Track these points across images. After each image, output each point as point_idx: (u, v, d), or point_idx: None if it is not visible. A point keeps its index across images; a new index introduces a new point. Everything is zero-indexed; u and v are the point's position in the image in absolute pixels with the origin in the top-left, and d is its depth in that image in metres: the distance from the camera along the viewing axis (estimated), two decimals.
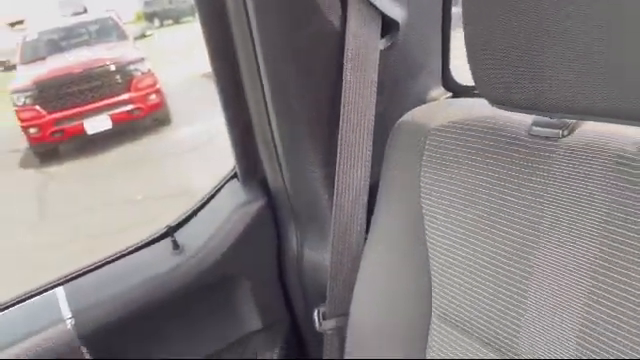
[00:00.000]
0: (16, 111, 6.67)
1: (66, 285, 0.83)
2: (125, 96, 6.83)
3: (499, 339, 0.62)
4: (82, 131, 6.69)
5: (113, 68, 6.82)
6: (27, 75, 6.89)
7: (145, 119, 7.11)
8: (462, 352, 0.66)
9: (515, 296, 0.60)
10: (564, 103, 0.49)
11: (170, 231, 0.88)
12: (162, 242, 0.89)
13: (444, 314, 0.68)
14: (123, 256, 0.89)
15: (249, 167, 0.90)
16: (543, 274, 0.57)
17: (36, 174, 6.58)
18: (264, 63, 0.77)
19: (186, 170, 5.37)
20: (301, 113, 0.80)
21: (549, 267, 0.57)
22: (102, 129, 6.73)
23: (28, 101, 6.64)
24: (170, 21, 21.25)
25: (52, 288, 0.84)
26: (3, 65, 11.82)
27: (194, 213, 0.93)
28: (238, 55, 0.81)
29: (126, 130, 6.91)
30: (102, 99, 6.75)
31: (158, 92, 7.04)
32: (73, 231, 4.24)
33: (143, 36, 11.69)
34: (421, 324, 0.71)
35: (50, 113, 6.58)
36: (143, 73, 6.99)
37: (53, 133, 6.62)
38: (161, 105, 7.09)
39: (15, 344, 0.78)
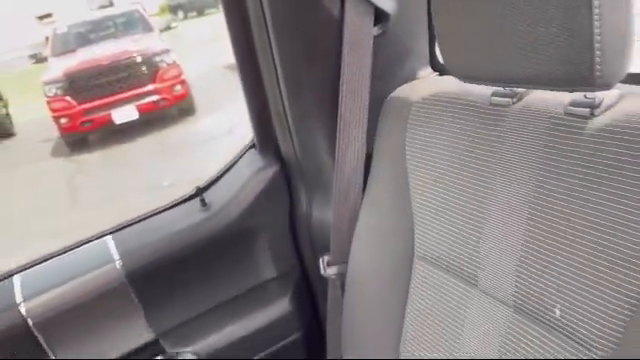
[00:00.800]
0: (48, 102, 6.98)
1: (114, 234, 1.01)
2: (151, 87, 7.06)
3: (464, 271, 0.77)
4: (110, 121, 6.96)
5: (139, 60, 7.06)
6: (58, 67, 7.18)
7: (170, 109, 7.36)
8: (437, 284, 0.82)
9: (475, 234, 0.75)
10: (507, 74, 0.64)
11: (199, 192, 1.06)
12: (192, 201, 1.07)
13: (423, 253, 0.83)
14: (161, 212, 1.06)
15: (265, 138, 1.07)
16: (495, 217, 0.72)
17: (66, 163, 6.88)
18: (277, 49, 0.93)
19: (209, 157, 5.58)
20: (308, 91, 0.96)
21: (499, 211, 0.72)
22: (129, 119, 6.98)
23: (59, 92, 6.93)
24: (194, 13, 21.58)
25: (102, 237, 1.02)
26: (35, 58, 12.24)
27: (219, 177, 1.10)
28: (255, 41, 0.97)
29: (152, 120, 7.16)
30: (129, 90, 7.00)
31: (183, 83, 7.26)
32: (103, 218, 4.49)
33: (168, 28, 11.94)
34: (406, 264, 0.86)
35: (80, 104, 6.86)
36: (168, 64, 7.20)
37: (83, 123, 6.91)
38: (186, 96, 7.31)
39: (70, 281, 0.96)
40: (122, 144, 6.88)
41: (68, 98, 6.89)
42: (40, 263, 0.99)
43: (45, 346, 0.94)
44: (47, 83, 6.98)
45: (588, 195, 0.61)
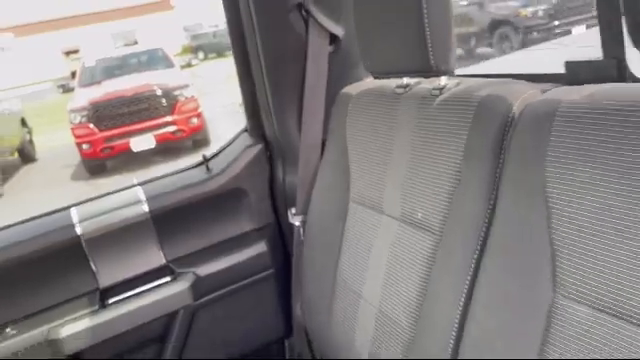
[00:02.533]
0: (72, 128, 7.58)
1: (143, 186, 1.44)
2: (169, 118, 7.64)
3: (374, 202, 1.18)
4: (128, 148, 7.51)
5: (159, 92, 7.67)
6: (84, 97, 7.82)
7: (186, 140, 7.91)
8: (363, 217, 1.23)
9: (382, 177, 1.17)
10: (390, 68, 1.08)
11: (205, 160, 1.50)
12: (201, 167, 1.50)
13: (357, 197, 1.25)
14: (178, 172, 1.50)
15: (254, 124, 1.51)
16: (395, 163, 1.14)
17: (85, 186, 7.39)
18: (264, 60, 1.38)
19: None
20: (284, 90, 1.41)
21: (401, 159, 1.14)
22: (146, 147, 7.53)
23: (83, 120, 7.53)
24: (214, 54, 22.73)
25: (134, 187, 1.45)
26: (63, 88, 13.06)
27: (220, 152, 1.54)
28: (250, 55, 1.43)
29: (168, 149, 7.70)
30: (148, 120, 7.58)
31: (199, 116, 7.82)
32: None
33: (188, 65, 12.73)
34: (344, 208, 1.27)
35: (101, 131, 7.45)
36: (187, 98, 7.80)
37: (103, 149, 7.47)
38: (201, 128, 7.88)
39: (110, 212, 1.38)
40: (138, 170, 7.38)
41: (91, 125, 7.48)
42: (89, 201, 1.43)
43: (90, 258, 1.36)
44: (72, 111, 7.60)
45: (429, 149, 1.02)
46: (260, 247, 1.50)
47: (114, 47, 15.80)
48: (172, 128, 7.65)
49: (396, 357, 1.04)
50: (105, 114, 7.52)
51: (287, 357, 1.63)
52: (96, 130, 7.48)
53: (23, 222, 1.37)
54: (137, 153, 7.54)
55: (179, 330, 1.42)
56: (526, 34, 9.73)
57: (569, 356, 0.72)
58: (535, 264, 0.77)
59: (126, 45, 14.10)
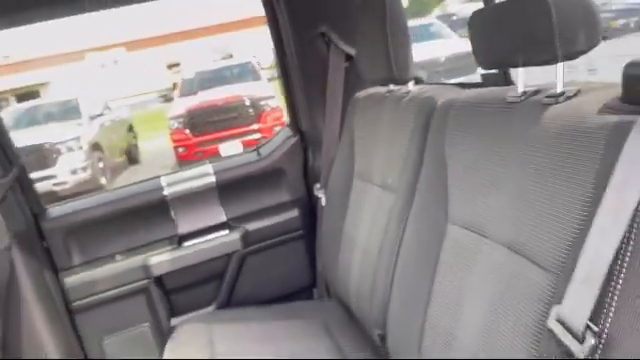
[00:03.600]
0: (170, 133, 8.58)
1: (212, 164, 2.02)
2: (255, 126, 8.41)
3: (363, 175, 1.66)
4: (217, 153, 8.36)
5: (247, 103, 8.48)
6: (182, 105, 8.83)
7: None
8: (362, 189, 1.71)
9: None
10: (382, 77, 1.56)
11: (257, 148, 2.05)
12: (254, 152, 2.06)
13: (358, 171, 1.73)
14: (239, 155, 2.07)
15: (292, 121, 2.05)
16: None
17: None
18: (299, 74, 1.91)
19: None
20: (313, 95, 1.93)
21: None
22: (233, 153, 8.33)
23: (180, 126, 8.50)
24: None
25: (205, 165, 2.03)
26: (165, 97, 14.53)
27: (268, 141, 2.09)
28: (289, 67, 1.96)
29: None
30: (236, 128, 8.41)
31: (283, 125, 8.53)
32: None
33: (275, 78, 13.63)
34: (348, 184, 1.76)
35: (196, 136, 8.36)
36: (272, 108, 8.55)
37: (196, 153, 8.37)
38: None
39: (188, 181, 1.97)
40: None
41: (187, 131, 8.42)
42: (173, 173, 2.03)
43: (172, 214, 1.95)
44: (172, 118, 8.61)
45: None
46: (293, 213, 2.03)
47: (212, 60, 17.12)
48: (257, 135, 8.39)
49: (369, 282, 1.49)
50: (199, 121, 8.43)
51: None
52: (191, 135, 8.40)
53: (132, 184, 1.99)
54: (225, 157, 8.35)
55: (232, 270, 1.98)
56: None
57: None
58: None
59: (222, 59, 15.33)
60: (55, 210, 1.90)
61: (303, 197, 2.06)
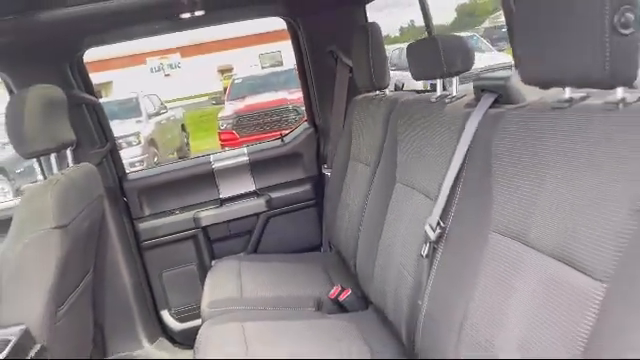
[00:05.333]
0: (219, 133, 9.45)
1: (247, 147, 2.71)
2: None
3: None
4: None
5: (290, 107, 9.24)
6: (230, 108, 9.69)
7: None
8: (354, 169, 2.35)
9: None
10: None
11: (282, 136, 2.73)
12: (280, 140, 2.74)
13: (353, 155, 2.38)
14: (268, 141, 2.75)
15: (310, 116, 2.72)
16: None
17: None
18: (314, 82, 2.58)
19: None
20: (325, 98, 2.59)
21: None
22: None
23: (228, 126, 9.35)
24: None
25: (241, 148, 2.72)
26: (216, 100, 15.52)
27: (291, 132, 2.76)
28: (307, 78, 2.63)
29: None
30: (279, 130, 9.16)
31: None
32: None
33: None
34: (344, 165, 2.40)
35: (241, 137, 9.17)
36: None
37: None
38: None
39: (225, 161, 2.66)
40: None
41: (234, 132, 9.25)
42: (220, 152, 2.72)
43: (217, 182, 2.64)
44: (221, 119, 9.48)
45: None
46: (307, 187, 2.70)
47: (261, 67, 18.03)
48: None
49: (354, 239, 2.10)
50: (245, 123, 9.26)
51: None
52: (237, 136, 9.22)
53: (191, 158, 2.70)
54: None
55: (258, 227, 2.66)
56: None
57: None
58: None
59: (272, 66, 16.19)
60: (133, 175, 2.64)
61: (315, 175, 2.72)
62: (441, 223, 1.35)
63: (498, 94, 1.32)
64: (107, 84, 18.21)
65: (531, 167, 1.04)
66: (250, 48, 21.89)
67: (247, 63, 19.73)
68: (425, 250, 1.39)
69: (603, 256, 0.83)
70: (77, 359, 2.03)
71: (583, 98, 1.00)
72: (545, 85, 1.05)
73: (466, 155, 1.32)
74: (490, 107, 1.31)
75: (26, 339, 1.52)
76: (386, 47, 2.12)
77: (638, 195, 0.78)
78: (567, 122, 0.98)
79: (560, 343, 0.86)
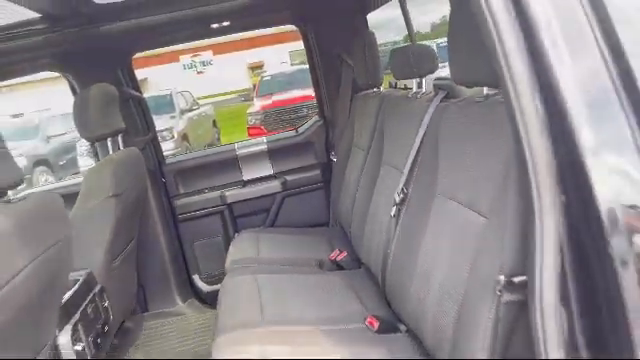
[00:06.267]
0: (247, 128, 9.99)
1: (266, 137, 3.17)
2: None
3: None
4: None
5: (315, 103, 9.68)
6: (258, 104, 10.21)
7: None
8: (354, 153, 2.79)
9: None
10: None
11: (296, 128, 3.17)
12: (293, 131, 3.19)
13: (356, 143, 2.81)
14: (287, 131, 3.21)
15: (320, 110, 3.16)
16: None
17: None
18: (323, 80, 3.03)
19: None
20: (333, 94, 3.04)
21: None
22: None
23: (257, 122, 9.88)
24: None
25: (261, 136, 3.18)
26: (245, 97, 16.14)
27: (304, 124, 3.21)
28: (318, 77, 3.07)
29: None
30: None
31: None
32: None
33: None
34: (348, 151, 2.83)
35: (268, 132, 9.67)
36: None
37: None
38: None
39: (248, 148, 3.14)
40: None
41: (262, 127, 9.78)
42: (243, 141, 3.19)
43: (240, 166, 3.11)
44: (249, 115, 10.02)
45: None
46: (317, 171, 3.15)
47: (290, 64, 18.49)
48: None
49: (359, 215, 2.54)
50: (272, 119, 9.77)
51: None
52: (265, 130, 9.73)
53: (217, 146, 3.18)
54: None
55: (275, 205, 3.12)
56: None
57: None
58: None
59: (301, 62, 16.66)
60: (170, 159, 3.14)
61: (324, 161, 3.17)
62: (404, 190, 1.79)
63: (447, 91, 1.75)
64: (143, 81, 19.02)
65: (461, 144, 1.46)
66: (282, 45, 22.38)
67: (278, 60, 20.26)
68: (393, 212, 1.83)
69: (487, 197, 1.24)
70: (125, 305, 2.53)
71: (496, 94, 1.36)
72: (467, 85, 1.46)
73: (423, 138, 1.75)
74: (441, 101, 1.74)
75: (90, 280, 2.01)
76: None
77: (505, 153, 1.17)
78: (480, 111, 1.41)
79: (469, 268, 1.27)
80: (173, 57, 19.87)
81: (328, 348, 1.65)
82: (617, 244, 0.80)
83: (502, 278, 1.04)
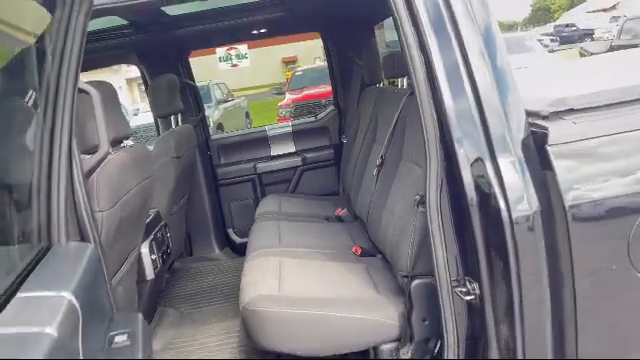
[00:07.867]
0: (278, 120, 10.83)
1: (291, 121, 3.97)
2: None
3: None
4: None
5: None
6: (289, 98, 11.06)
7: None
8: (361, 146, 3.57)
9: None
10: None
11: (315, 115, 3.97)
12: (313, 117, 3.99)
13: (374, 138, 3.59)
14: (305, 118, 4.00)
15: (335, 101, 3.95)
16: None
17: None
18: (339, 78, 3.82)
19: None
20: (346, 89, 3.82)
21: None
22: None
23: (287, 114, 10.72)
24: None
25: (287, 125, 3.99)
26: (277, 90, 17.00)
27: (323, 111, 4.01)
28: (335, 75, 3.87)
29: None
30: None
31: None
32: None
33: None
34: (360, 143, 3.61)
35: None
36: None
37: None
38: None
39: (275, 130, 3.95)
40: None
41: (290, 120, 10.61)
42: (272, 124, 4.01)
43: (269, 144, 3.93)
44: (280, 107, 10.88)
45: None
46: (331, 150, 3.96)
47: (322, 60, 19.22)
48: None
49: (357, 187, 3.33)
50: (302, 112, 10.59)
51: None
52: None
53: (252, 128, 4.00)
54: None
55: (295, 177, 3.93)
56: None
57: None
58: None
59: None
60: (215, 136, 4.00)
61: (337, 143, 3.96)
62: (383, 156, 2.58)
63: None
64: None
65: (411, 122, 2.26)
66: (316, 41, 23.06)
67: (312, 55, 21.05)
68: (375, 172, 2.62)
69: (421, 155, 2.01)
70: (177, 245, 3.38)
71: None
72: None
73: (397, 119, 2.53)
74: (410, 94, 2.52)
75: (157, 217, 2.84)
76: None
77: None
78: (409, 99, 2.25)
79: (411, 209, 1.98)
80: (211, 50, 20.91)
81: (324, 262, 2.44)
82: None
83: (417, 197, 1.82)
